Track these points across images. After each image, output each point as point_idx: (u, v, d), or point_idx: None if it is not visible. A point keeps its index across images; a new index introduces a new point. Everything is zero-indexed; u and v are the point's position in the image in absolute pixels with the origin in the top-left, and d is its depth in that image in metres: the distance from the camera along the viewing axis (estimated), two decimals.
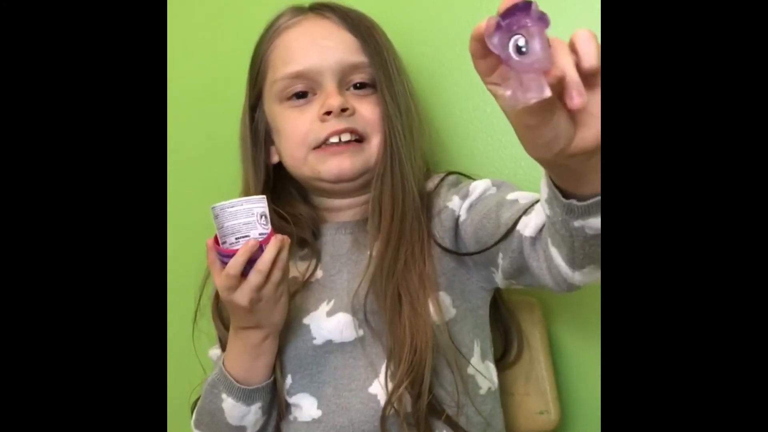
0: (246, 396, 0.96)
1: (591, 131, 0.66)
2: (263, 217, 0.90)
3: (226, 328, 1.00)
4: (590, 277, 0.84)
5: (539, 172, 0.76)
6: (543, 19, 0.63)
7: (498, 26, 0.62)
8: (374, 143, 1.00)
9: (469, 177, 1.05)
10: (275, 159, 1.06)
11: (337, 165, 0.99)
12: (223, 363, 0.97)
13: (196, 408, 1.03)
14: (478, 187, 0.99)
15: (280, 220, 1.01)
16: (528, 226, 0.86)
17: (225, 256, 0.89)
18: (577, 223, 0.75)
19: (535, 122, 0.65)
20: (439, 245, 0.98)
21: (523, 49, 0.62)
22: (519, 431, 1.10)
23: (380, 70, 1.00)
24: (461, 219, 0.98)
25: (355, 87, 1.01)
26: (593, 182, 0.71)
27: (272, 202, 0.99)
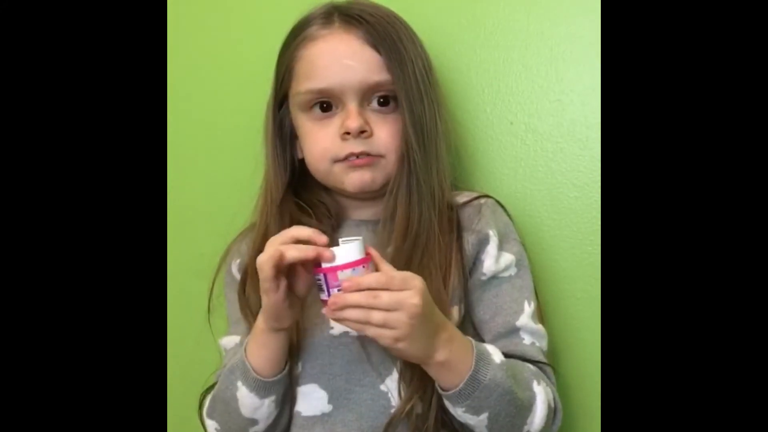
0: (260, 387, 0.96)
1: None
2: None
3: (252, 312, 1.00)
4: None
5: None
6: None
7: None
8: (391, 160, 1.00)
9: (502, 206, 1.06)
10: (301, 155, 1.06)
11: (359, 178, 1.00)
12: (245, 350, 0.97)
13: (211, 395, 1.03)
14: (503, 259, 1.01)
15: (302, 214, 1.02)
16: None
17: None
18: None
19: None
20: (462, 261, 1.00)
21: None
22: None
23: (402, 89, 0.99)
24: (476, 276, 1.00)
25: (379, 103, 1.01)
26: (439, 382, 0.90)
27: (296, 191, 1.03)
